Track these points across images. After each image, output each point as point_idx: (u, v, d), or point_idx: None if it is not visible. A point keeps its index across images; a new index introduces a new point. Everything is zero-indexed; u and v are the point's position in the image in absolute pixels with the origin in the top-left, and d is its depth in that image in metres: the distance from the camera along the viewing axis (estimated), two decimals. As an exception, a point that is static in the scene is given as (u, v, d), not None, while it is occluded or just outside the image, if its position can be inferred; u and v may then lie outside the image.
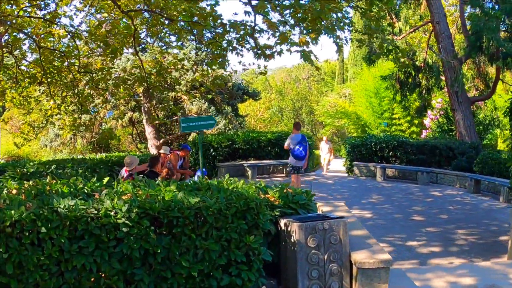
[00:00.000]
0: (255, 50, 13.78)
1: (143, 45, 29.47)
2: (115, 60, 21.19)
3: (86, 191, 6.82)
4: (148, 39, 26.95)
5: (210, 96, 32.08)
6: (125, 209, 5.90)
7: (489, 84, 26.14)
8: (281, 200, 7.49)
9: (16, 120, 41.22)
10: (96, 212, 5.88)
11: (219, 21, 13.69)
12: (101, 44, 17.09)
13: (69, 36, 17.71)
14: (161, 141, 33.87)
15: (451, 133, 27.75)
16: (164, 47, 21.82)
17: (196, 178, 16.72)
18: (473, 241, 11.98)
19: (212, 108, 33.78)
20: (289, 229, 6.75)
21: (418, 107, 29.39)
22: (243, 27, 13.69)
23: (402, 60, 17.85)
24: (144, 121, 33.59)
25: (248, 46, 14.51)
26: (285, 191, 7.81)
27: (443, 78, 25.48)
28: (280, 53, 13.33)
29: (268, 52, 13.48)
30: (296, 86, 72.90)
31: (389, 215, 14.77)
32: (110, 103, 30.91)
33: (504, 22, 22.06)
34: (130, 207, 5.95)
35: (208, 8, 14.81)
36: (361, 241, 7.09)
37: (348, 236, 6.69)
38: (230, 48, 14.75)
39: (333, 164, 30.42)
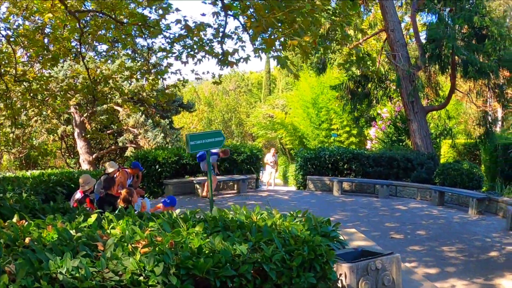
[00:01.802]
0: (219, 57, 12.61)
1: (75, 55, 28.05)
2: (53, 68, 19.73)
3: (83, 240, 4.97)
4: (84, 50, 25.54)
5: (143, 109, 30.74)
6: (160, 271, 4.15)
7: (439, 93, 25.60)
8: (310, 233, 6.06)
9: None
10: (117, 278, 4.11)
11: (182, 22, 12.45)
12: (40, 51, 15.59)
13: (3, 41, 16.10)
14: (93, 156, 32.36)
15: (401, 144, 27.12)
16: (96, 57, 20.39)
17: (147, 202, 15.42)
18: (465, 259, 11.19)
19: (150, 121, 32.36)
20: (336, 272, 5.50)
21: (368, 117, 28.71)
22: (207, 29, 12.63)
23: (372, 68, 17.23)
24: (76, 135, 32.03)
25: (211, 51, 13.37)
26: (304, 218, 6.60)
27: (393, 87, 24.90)
28: (246, 59, 12.32)
29: (231, 59, 12.40)
30: (225, 97, 71.97)
31: (365, 233, 13.61)
32: (42, 115, 29.27)
33: (461, 30, 21.51)
34: (166, 267, 4.25)
35: (161, 12, 13.58)
36: (407, 278, 5.98)
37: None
38: (190, 53, 13.55)
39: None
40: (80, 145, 32.70)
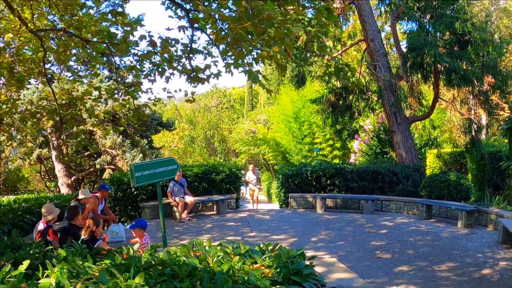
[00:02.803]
0: (189, 73, 11.91)
1: (49, 76, 27.29)
2: (21, 91, 18.93)
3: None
4: (55, 69, 24.75)
5: (122, 129, 29.94)
6: None
7: (423, 103, 24.98)
8: (280, 272, 5.35)
9: None
10: None
11: (147, 38, 11.72)
12: (5, 73, 14.77)
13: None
14: (72, 179, 31.52)
15: (385, 156, 26.46)
16: (72, 76, 19.58)
17: (110, 237, 14.62)
18: (457, 279, 10.37)
19: (127, 141, 31.55)
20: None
21: (351, 129, 28.03)
22: (177, 45, 11.90)
23: (352, 79, 16.60)
24: (54, 157, 31.22)
25: (180, 68, 12.66)
26: (275, 253, 5.79)
27: (375, 98, 24.27)
28: (217, 75, 11.63)
29: (202, 75, 11.71)
30: (207, 114, 71.40)
31: (350, 254, 12.94)
32: (16, 140, 28.42)
33: (443, 37, 20.86)
34: None
35: (128, 28, 12.84)
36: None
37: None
38: (158, 71, 12.82)
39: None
40: (58, 168, 31.94)
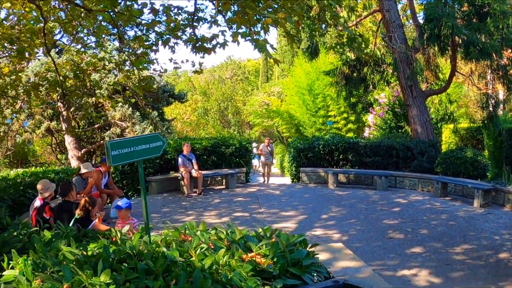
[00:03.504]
0: (195, 43, 11.35)
1: (59, 48, 26.75)
2: (27, 63, 18.45)
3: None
4: (65, 40, 24.22)
5: (133, 100, 29.39)
6: None
7: (439, 76, 24.24)
8: (277, 262, 4.78)
9: None
10: None
11: (149, 6, 11.15)
12: (5, 43, 14.25)
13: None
14: (82, 151, 31.07)
15: (400, 130, 25.79)
16: (81, 47, 19.02)
17: (112, 212, 14.15)
18: (472, 263, 9.84)
19: (137, 113, 30.99)
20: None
21: (365, 102, 27.32)
22: (182, 13, 11.35)
23: (366, 51, 16.00)
24: (65, 130, 30.77)
25: (184, 38, 12.10)
26: (273, 240, 5.23)
27: (390, 71, 23.57)
28: (223, 45, 11.05)
29: (208, 45, 11.16)
30: (221, 86, 70.76)
31: (361, 233, 12.41)
32: (24, 112, 27.98)
33: (461, 8, 20.11)
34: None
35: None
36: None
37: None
38: (162, 40, 12.26)
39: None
40: (68, 141, 31.46)
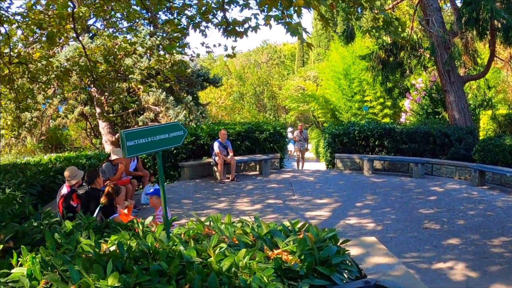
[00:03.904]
0: (226, 26, 11.09)
1: (92, 33, 26.71)
2: (60, 48, 18.37)
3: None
4: (98, 25, 24.14)
5: (167, 85, 29.24)
6: None
7: (477, 61, 23.68)
8: (304, 260, 4.48)
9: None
10: None
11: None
12: (35, 29, 14.15)
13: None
14: (116, 136, 31.08)
15: (437, 116, 25.30)
16: (114, 31, 18.88)
17: (143, 198, 14.03)
18: (511, 256, 9.41)
19: (171, 98, 30.86)
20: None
21: (402, 87, 26.84)
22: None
23: (403, 34, 15.62)
24: (98, 115, 30.80)
25: (215, 21, 11.85)
26: (301, 235, 4.95)
27: (428, 55, 23.07)
28: (255, 28, 10.77)
29: (239, 29, 10.90)
30: (256, 70, 70.46)
31: (395, 223, 12.09)
32: (57, 97, 28.01)
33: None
34: None
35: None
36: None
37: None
38: (192, 24, 12.01)
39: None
40: (102, 126, 31.51)
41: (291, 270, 4.25)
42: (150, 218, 6.38)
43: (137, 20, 16.00)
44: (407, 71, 24.16)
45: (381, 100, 35.57)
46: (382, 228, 11.63)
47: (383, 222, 12.19)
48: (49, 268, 3.97)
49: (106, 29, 19.83)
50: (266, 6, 9.21)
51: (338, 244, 5.09)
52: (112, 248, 4.76)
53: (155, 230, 5.61)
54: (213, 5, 11.79)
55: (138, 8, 14.98)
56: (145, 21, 17.15)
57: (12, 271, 4.15)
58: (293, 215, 13.12)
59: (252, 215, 12.91)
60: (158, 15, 15.34)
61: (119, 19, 17.80)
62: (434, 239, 10.61)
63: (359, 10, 14.20)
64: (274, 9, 9.31)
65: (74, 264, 3.88)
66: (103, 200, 9.08)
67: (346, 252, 4.96)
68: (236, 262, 4.02)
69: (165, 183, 18.58)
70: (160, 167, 5.79)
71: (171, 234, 5.25)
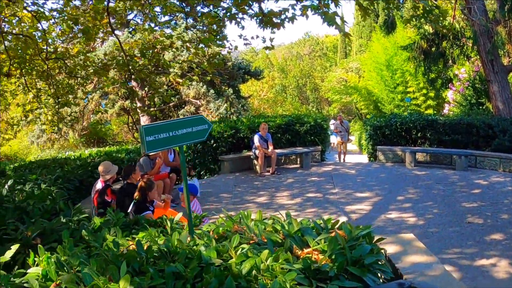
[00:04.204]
0: (260, 17, 10.96)
1: (131, 28, 26.82)
2: (101, 43, 18.42)
3: None
4: (139, 20, 24.18)
5: (208, 78, 29.21)
6: None
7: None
8: (335, 260, 4.24)
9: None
10: None
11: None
12: (72, 24, 14.13)
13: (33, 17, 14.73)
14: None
15: (481, 107, 24.78)
16: (153, 26, 18.83)
17: (196, 182, 13.97)
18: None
19: (212, 91, 30.84)
20: None
21: (445, 78, 26.34)
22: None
23: (443, 23, 15.27)
24: (138, 109, 30.97)
25: (251, 13, 11.69)
26: (333, 233, 4.75)
27: (470, 44, 22.60)
28: (292, 19, 10.61)
29: (276, 20, 10.76)
30: (299, 62, 70.14)
31: (438, 217, 11.80)
32: (97, 92, 28.19)
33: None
34: None
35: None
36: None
37: None
38: (228, 16, 11.87)
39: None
40: (143, 120, 31.75)
41: (321, 271, 4.06)
42: (179, 215, 6.26)
43: (176, 14, 15.88)
44: (450, 61, 23.71)
45: (424, 91, 35.09)
46: (423, 223, 11.35)
47: (424, 216, 11.91)
48: (65, 269, 3.86)
49: (146, 23, 19.86)
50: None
51: (373, 242, 4.88)
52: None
53: (184, 226, 5.49)
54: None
55: (177, 2, 14.91)
56: (184, 14, 17.07)
57: (28, 271, 4.06)
58: (333, 209, 12.94)
59: (292, 209, 12.85)
60: (196, 9, 15.19)
61: (158, 13, 17.76)
62: (477, 234, 10.30)
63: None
64: (310, -1, 9.20)
65: (87, 265, 3.76)
66: (136, 195, 8.99)
67: (381, 251, 4.76)
68: (257, 264, 3.83)
69: (205, 177, 18.55)
70: (183, 163, 5.66)
71: (196, 233, 5.12)
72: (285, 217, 5.52)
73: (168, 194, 12.75)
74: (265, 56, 70.36)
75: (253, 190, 15.45)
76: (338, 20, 9.07)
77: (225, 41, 15.19)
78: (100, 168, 10.64)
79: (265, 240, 4.74)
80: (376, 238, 5.00)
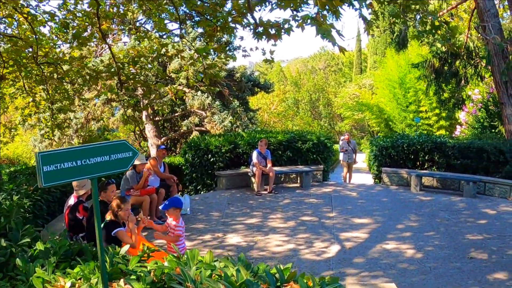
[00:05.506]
0: (255, 28, 10.29)
1: (132, 35, 26.32)
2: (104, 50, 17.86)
3: None
4: (148, 27, 23.65)
5: (217, 89, 28.52)
6: None
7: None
8: None
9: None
10: None
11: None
12: (62, 28, 13.52)
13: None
14: (162, 139, 30.67)
15: (493, 130, 23.91)
16: (164, 34, 18.24)
17: (187, 199, 13.43)
18: None
19: (217, 102, 30.13)
20: None
21: (458, 98, 25.52)
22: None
23: (452, 40, 14.47)
24: (144, 118, 30.44)
25: (246, 22, 11.02)
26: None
27: (483, 64, 21.78)
28: (288, 30, 9.91)
29: (272, 31, 10.06)
30: (313, 77, 69.74)
31: (438, 250, 10.93)
32: (100, 98, 27.69)
33: None
34: None
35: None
36: None
37: None
38: (219, 24, 11.20)
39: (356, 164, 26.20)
40: (148, 129, 31.31)
41: None
42: (127, 247, 5.40)
43: (168, 22, 15.33)
44: (463, 81, 22.89)
45: (437, 111, 34.46)
46: (421, 256, 10.48)
47: (424, 248, 11.04)
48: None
49: (149, 30, 19.30)
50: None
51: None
52: (68, 285, 3.89)
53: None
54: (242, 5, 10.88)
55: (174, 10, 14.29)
56: (177, 21, 16.49)
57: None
58: (326, 235, 12.15)
59: (283, 233, 12.10)
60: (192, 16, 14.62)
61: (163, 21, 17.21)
62: (479, 273, 9.40)
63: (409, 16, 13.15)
64: (304, 9, 8.51)
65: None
66: (108, 215, 8.12)
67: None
68: None
69: (201, 193, 17.94)
70: (95, 198, 4.61)
71: (135, 272, 4.27)
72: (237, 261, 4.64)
73: (155, 210, 12.23)
74: (279, 69, 70.17)
75: (246, 210, 14.70)
76: (334, 33, 8.34)
77: (235, 52, 14.68)
78: (74, 182, 9.78)
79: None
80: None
